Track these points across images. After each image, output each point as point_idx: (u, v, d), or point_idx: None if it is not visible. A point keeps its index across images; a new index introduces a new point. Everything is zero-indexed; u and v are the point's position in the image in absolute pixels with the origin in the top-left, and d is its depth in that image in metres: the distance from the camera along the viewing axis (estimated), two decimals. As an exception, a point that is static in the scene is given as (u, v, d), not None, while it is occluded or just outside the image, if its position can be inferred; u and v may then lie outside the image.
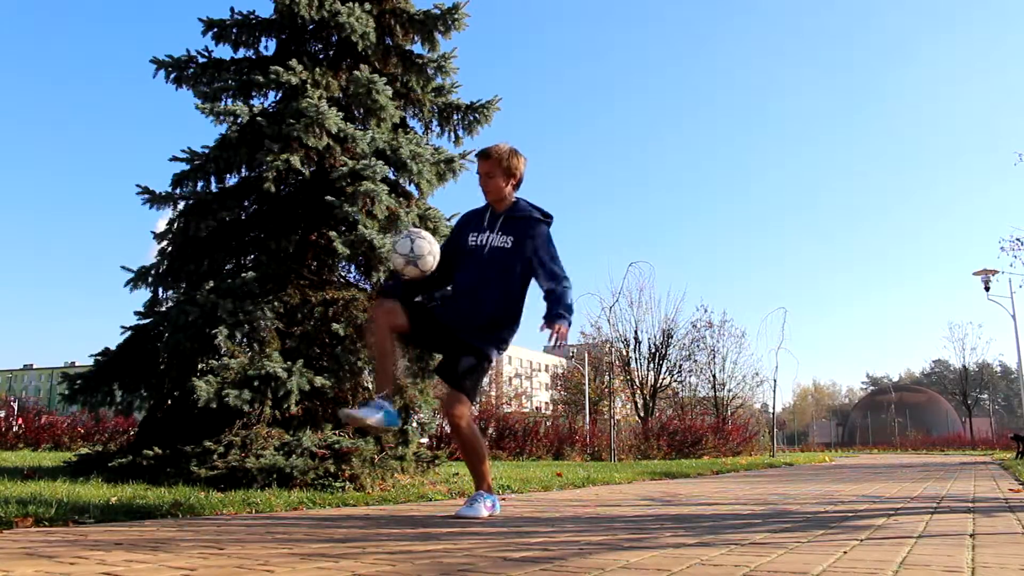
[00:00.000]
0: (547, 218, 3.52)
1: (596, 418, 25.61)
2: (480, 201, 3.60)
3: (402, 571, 1.77)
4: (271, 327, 5.00)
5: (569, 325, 3.30)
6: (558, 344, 3.27)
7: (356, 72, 5.45)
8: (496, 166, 3.43)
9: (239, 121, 5.41)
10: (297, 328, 5.23)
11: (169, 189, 5.58)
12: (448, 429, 3.40)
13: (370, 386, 5.47)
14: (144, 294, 5.54)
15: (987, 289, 20.77)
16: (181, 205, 5.60)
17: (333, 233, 5.14)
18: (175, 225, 5.60)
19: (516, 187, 3.52)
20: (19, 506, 2.84)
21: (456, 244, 3.54)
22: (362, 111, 5.67)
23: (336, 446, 4.61)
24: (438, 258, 3.33)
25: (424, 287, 3.53)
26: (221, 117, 5.28)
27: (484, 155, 3.47)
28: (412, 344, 3.63)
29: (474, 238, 3.47)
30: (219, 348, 4.82)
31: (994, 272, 20.17)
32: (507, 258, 3.39)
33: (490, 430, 16.42)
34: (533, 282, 3.47)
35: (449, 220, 5.78)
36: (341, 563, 1.87)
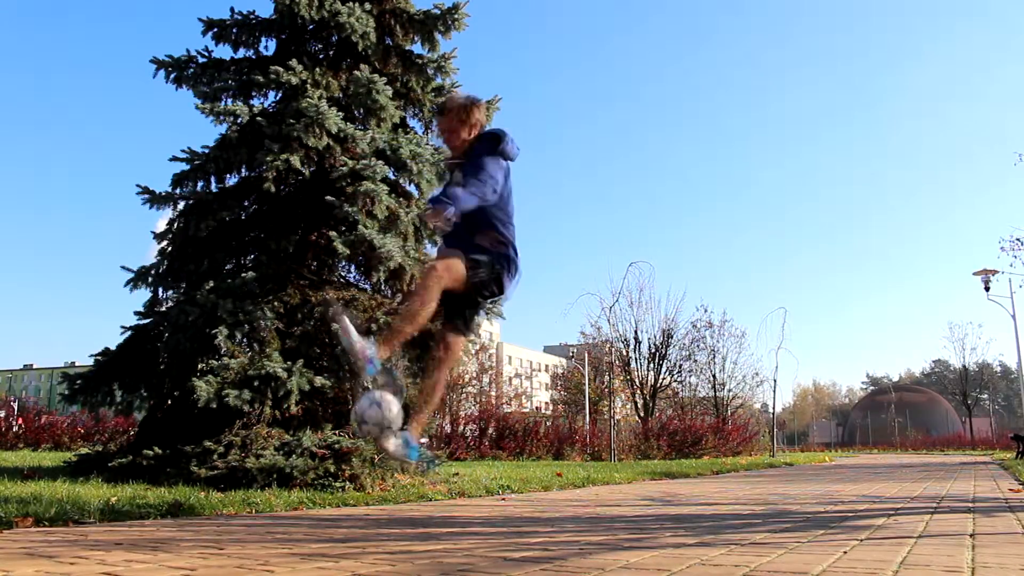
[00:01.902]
0: (489, 136, 3.29)
1: (596, 418, 25.61)
2: None
3: (402, 571, 1.77)
4: (271, 327, 5.00)
5: (446, 208, 2.94)
6: (435, 227, 3.11)
7: (356, 72, 5.45)
8: (455, 119, 3.25)
9: (239, 121, 5.41)
10: (297, 328, 5.23)
11: (169, 189, 5.58)
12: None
13: (370, 386, 5.47)
14: (144, 294, 5.56)
15: (987, 289, 20.76)
16: (181, 205, 5.61)
17: (333, 233, 5.14)
18: (175, 225, 5.60)
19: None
20: (19, 506, 2.84)
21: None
22: (362, 111, 5.67)
23: (336, 446, 4.60)
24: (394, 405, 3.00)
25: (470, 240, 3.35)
26: (221, 117, 5.28)
27: (440, 111, 3.29)
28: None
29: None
30: (219, 348, 4.82)
31: (994, 272, 20.16)
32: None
33: (490, 430, 16.42)
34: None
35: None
36: (341, 563, 1.87)
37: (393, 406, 2.96)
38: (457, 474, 5.68)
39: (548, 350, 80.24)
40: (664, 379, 26.70)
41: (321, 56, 6.04)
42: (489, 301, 3.32)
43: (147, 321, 5.39)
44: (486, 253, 3.23)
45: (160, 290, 5.58)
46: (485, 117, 3.44)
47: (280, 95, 5.70)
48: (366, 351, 3.04)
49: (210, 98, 5.56)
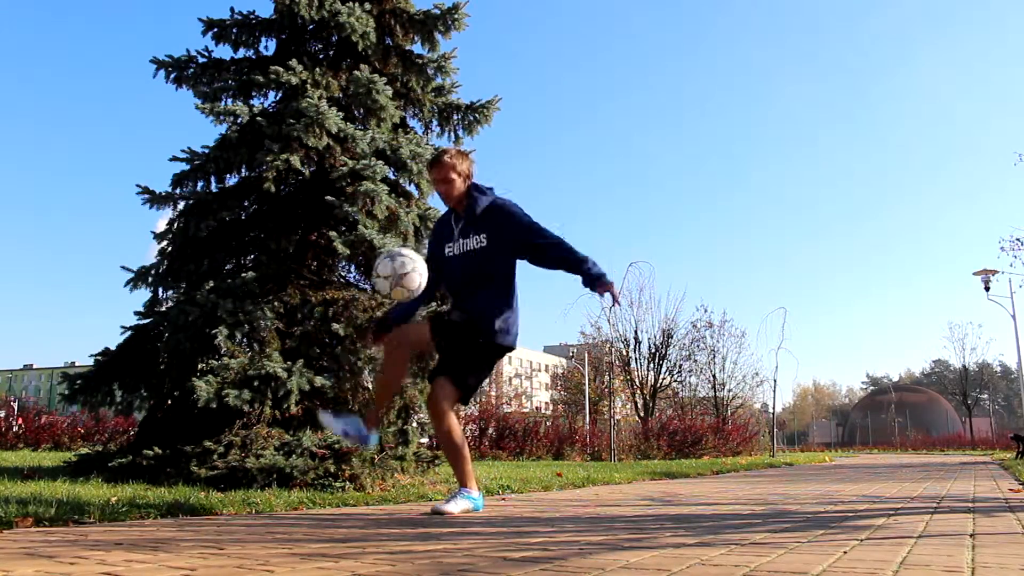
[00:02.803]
0: (499, 197, 3.51)
1: (596, 418, 25.64)
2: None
3: (402, 571, 1.77)
4: (271, 327, 5.00)
5: (607, 275, 3.36)
6: (618, 301, 3.33)
7: (356, 72, 5.45)
8: (451, 170, 3.44)
9: (239, 121, 5.41)
10: (297, 328, 5.23)
11: (169, 189, 5.58)
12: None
13: (370, 386, 5.48)
14: (144, 294, 5.55)
15: (987, 289, 20.77)
16: (181, 205, 5.61)
17: (333, 233, 5.14)
18: (175, 225, 5.60)
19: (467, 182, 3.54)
20: (19, 506, 2.84)
21: (437, 256, 3.57)
22: (362, 111, 5.67)
23: (336, 446, 4.61)
24: (425, 275, 3.25)
25: (416, 303, 3.53)
26: (221, 117, 5.28)
27: (436, 163, 3.47)
28: (437, 351, 3.60)
29: (449, 249, 3.50)
30: (219, 348, 4.82)
31: (994, 272, 20.17)
32: (486, 255, 3.38)
33: (490, 430, 16.42)
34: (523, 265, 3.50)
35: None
36: (341, 563, 1.87)
37: (410, 263, 3.18)
38: (457, 474, 5.67)
39: (548, 350, 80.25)
40: (664, 379, 26.70)
41: (321, 56, 6.04)
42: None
43: (147, 321, 5.39)
44: (498, 336, 3.42)
45: (160, 290, 5.58)
46: (472, 167, 3.59)
47: (280, 95, 5.70)
48: (359, 431, 3.25)
49: (210, 98, 5.56)
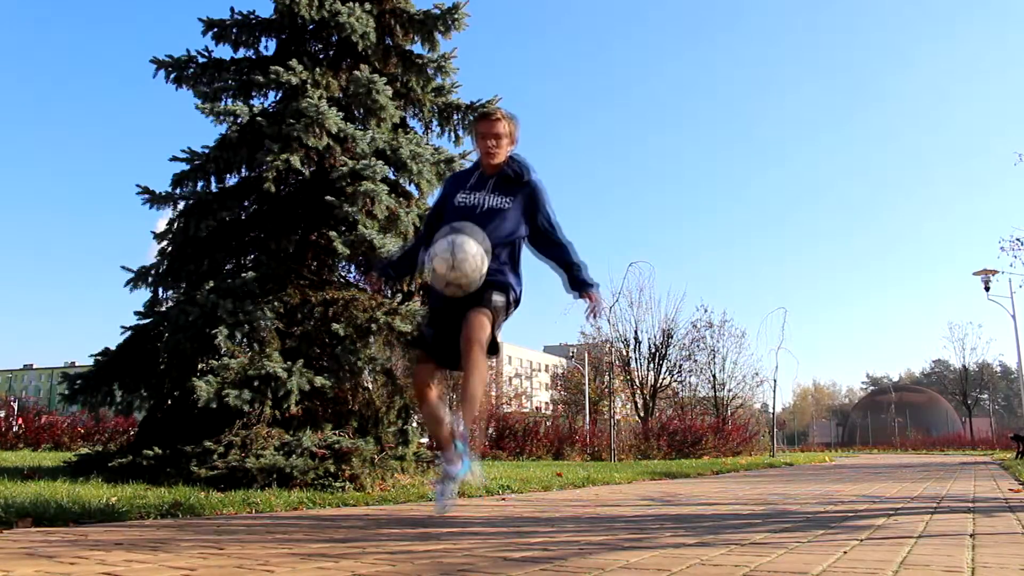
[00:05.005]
0: (532, 178, 3.34)
1: (596, 418, 25.63)
2: None
3: (402, 571, 1.77)
4: (271, 327, 5.00)
5: (597, 287, 3.28)
6: (598, 313, 3.24)
7: (356, 72, 5.45)
8: (503, 129, 3.26)
9: (239, 121, 5.41)
10: (297, 328, 5.23)
11: (169, 189, 5.58)
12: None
13: (370, 386, 5.48)
14: (144, 294, 5.56)
15: (987, 289, 20.76)
16: (181, 205, 5.61)
17: (333, 233, 5.14)
18: (175, 225, 5.60)
19: None
20: (19, 506, 2.84)
21: (443, 208, 3.35)
22: (362, 111, 5.67)
23: (336, 446, 4.61)
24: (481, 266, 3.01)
25: (417, 246, 3.37)
26: (221, 117, 5.28)
27: (491, 117, 3.27)
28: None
29: (464, 197, 3.25)
30: (219, 348, 4.82)
31: (994, 272, 20.16)
32: (504, 217, 3.20)
33: (490, 430, 16.42)
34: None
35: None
36: (341, 563, 1.87)
37: (470, 247, 2.95)
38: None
39: (548, 350, 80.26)
40: (664, 379, 26.70)
41: (321, 56, 6.04)
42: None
43: (147, 321, 5.39)
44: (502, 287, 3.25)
45: (160, 290, 5.58)
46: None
47: (280, 95, 5.70)
48: (457, 431, 2.98)
49: (210, 98, 5.56)
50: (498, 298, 3.12)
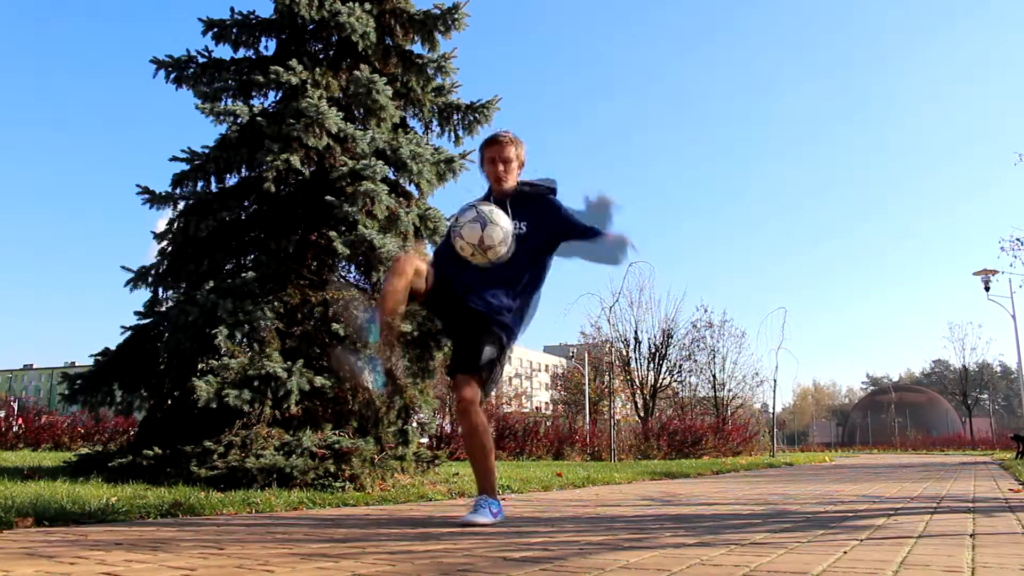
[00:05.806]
0: (552, 190, 3.30)
1: (596, 418, 25.64)
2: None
3: (402, 571, 1.77)
4: (271, 327, 5.00)
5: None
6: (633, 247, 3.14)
7: (356, 72, 5.45)
8: (515, 150, 3.23)
9: (239, 121, 5.41)
10: (297, 328, 5.23)
11: (169, 189, 5.58)
12: (458, 421, 3.06)
13: (369, 386, 5.46)
14: (144, 294, 5.56)
15: (987, 289, 20.78)
16: (181, 205, 5.60)
17: (333, 233, 5.14)
18: (175, 225, 5.60)
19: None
20: (19, 506, 2.84)
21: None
22: (362, 111, 5.67)
23: (336, 446, 4.61)
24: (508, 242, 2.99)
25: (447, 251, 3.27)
26: (221, 117, 5.28)
27: (501, 141, 3.23)
28: (433, 313, 3.30)
29: None
30: (219, 348, 4.82)
31: (994, 272, 20.18)
32: (522, 244, 3.14)
33: (490, 430, 16.41)
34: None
35: (449, 220, 5.78)
36: (341, 563, 1.87)
37: (498, 218, 2.96)
38: (457, 474, 5.68)
39: (548, 350, 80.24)
40: (664, 379, 26.72)
41: (321, 56, 6.04)
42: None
43: (147, 321, 5.39)
44: (511, 332, 3.24)
45: (160, 290, 5.58)
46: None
47: (280, 95, 5.70)
48: (367, 319, 2.99)
49: (210, 98, 5.56)
50: (489, 351, 3.10)
